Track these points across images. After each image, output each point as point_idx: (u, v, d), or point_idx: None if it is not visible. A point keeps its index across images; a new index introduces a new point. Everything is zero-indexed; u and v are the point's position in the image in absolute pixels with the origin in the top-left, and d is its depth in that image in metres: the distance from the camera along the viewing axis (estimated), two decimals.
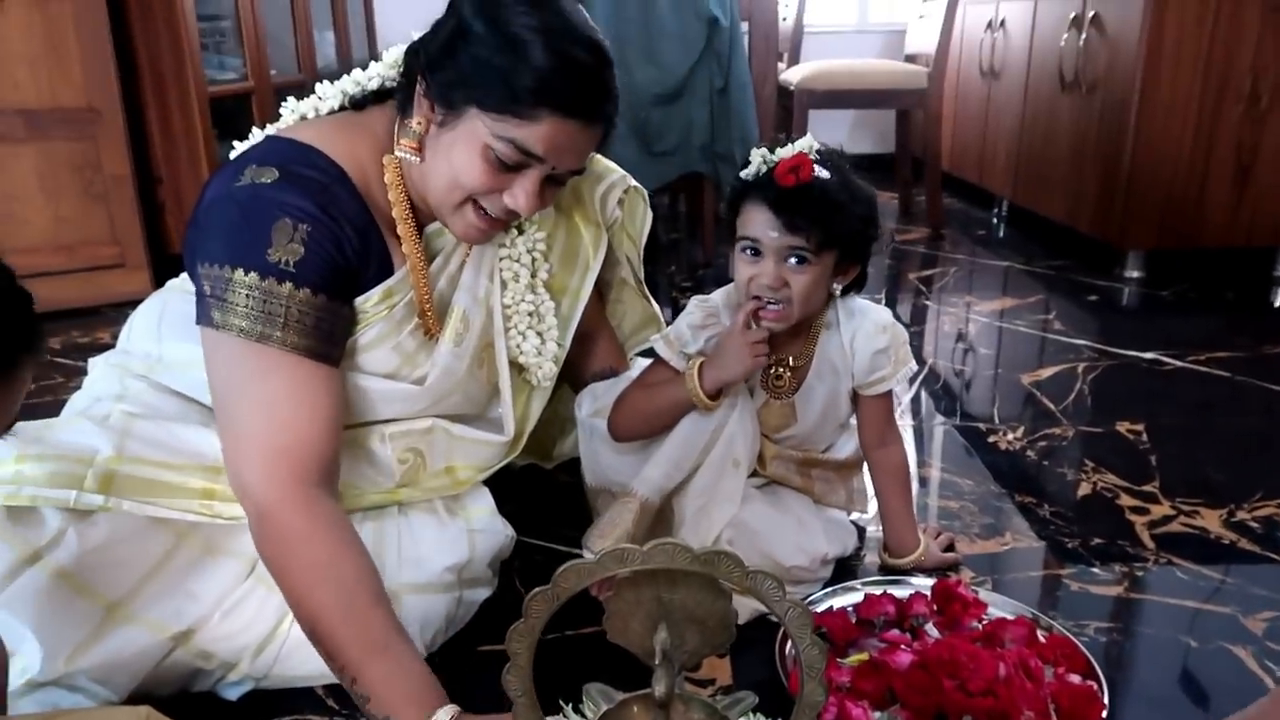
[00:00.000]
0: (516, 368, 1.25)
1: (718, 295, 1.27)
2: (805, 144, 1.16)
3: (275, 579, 0.97)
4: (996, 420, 1.85)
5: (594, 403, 1.34)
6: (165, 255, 2.69)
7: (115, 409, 1.11)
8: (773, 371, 1.26)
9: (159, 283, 1.31)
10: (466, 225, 1.08)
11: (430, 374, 1.14)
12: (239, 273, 0.98)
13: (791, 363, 1.26)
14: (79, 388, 1.25)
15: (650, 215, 1.41)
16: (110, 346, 1.29)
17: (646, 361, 1.49)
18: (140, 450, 1.05)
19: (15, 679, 0.95)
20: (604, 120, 1.05)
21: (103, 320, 2.45)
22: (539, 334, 1.25)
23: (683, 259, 3.10)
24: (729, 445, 1.20)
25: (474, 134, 1.01)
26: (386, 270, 1.10)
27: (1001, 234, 3.50)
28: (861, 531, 1.41)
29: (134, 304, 1.32)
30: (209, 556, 1.06)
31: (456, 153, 1.03)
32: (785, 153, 1.15)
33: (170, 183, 2.73)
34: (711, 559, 0.74)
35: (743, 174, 1.17)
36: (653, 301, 1.52)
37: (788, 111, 3.32)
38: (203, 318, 1.01)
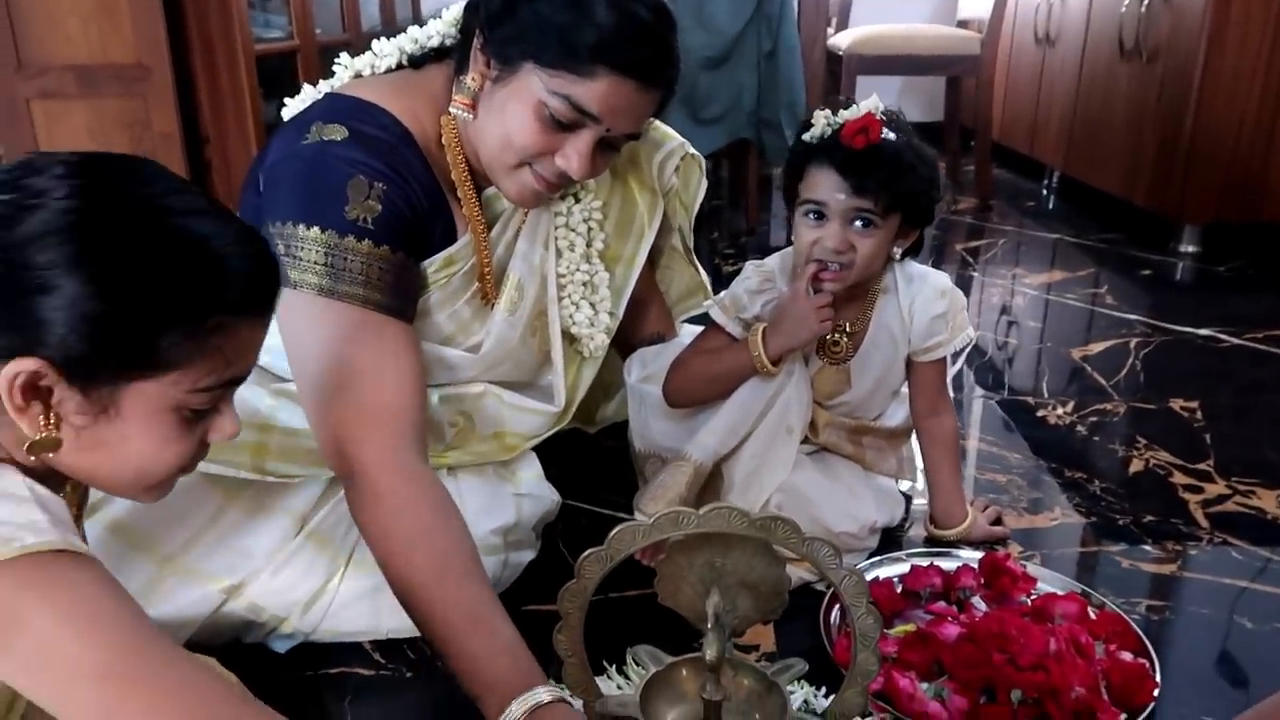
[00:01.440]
0: (568, 338, 1.25)
1: (773, 260, 1.25)
2: (871, 104, 1.13)
3: (370, 544, 0.95)
4: (1045, 394, 1.81)
5: (643, 369, 1.33)
6: None
7: None
8: (830, 337, 1.24)
9: None
10: (520, 187, 1.07)
11: (485, 342, 1.14)
12: (314, 230, 0.97)
13: (849, 328, 1.24)
14: None
15: (705, 183, 1.39)
16: None
17: (694, 329, 1.49)
18: None
19: None
20: (663, 84, 1.03)
21: None
22: (592, 304, 1.24)
23: (725, 226, 3.07)
24: (783, 412, 1.19)
25: (529, 90, 1.00)
26: (450, 234, 1.09)
27: (1051, 205, 3.43)
28: (907, 502, 1.39)
29: None
30: (259, 514, 1.07)
31: (510, 110, 1.01)
32: (851, 114, 1.12)
33: (217, 142, 2.74)
34: (768, 524, 0.73)
35: (805, 136, 1.15)
36: (700, 269, 1.51)
37: (835, 77, 3.26)
38: None
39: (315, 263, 0.97)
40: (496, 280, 1.15)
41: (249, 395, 1.08)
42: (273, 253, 0.69)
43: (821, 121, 1.14)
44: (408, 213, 1.02)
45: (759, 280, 1.22)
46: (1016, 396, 1.81)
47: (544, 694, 0.83)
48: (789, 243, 1.22)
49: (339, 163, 0.99)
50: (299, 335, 1.00)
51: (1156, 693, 0.99)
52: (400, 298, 1.01)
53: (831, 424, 1.29)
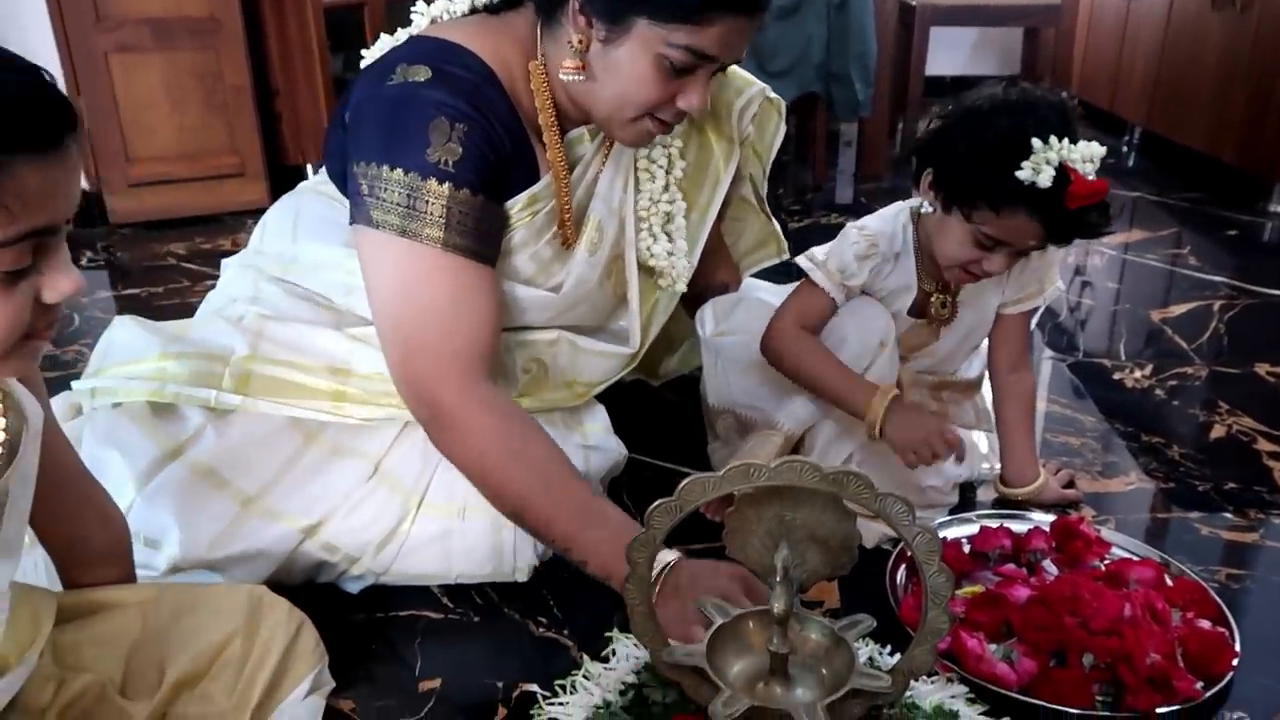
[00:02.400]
0: (646, 271, 1.24)
1: (873, 223, 1.20)
2: (1097, 154, 1.03)
3: (467, 477, 1.00)
4: (1123, 357, 1.76)
5: (717, 323, 1.32)
6: (281, 166, 2.75)
7: (250, 311, 1.14)
8: (936, 300, 1.22)
9: (276, 193, 1.34)
10: (638, 134, 1.07)
11: (565, 283, 1.14)
12: (397, 172, 0.98)
13: (954, 290, 1.23)
14: (205, 291, 1.29)
15: (783, 128, 1.36)
16: (232, 253, 1.32)
17: (762, 284, 1.47)
18: (273, 351, 1.08)
19: (162, 564, 1.01)
20: (764, 6, 1.02)
21: (224, 228, 2.53)
22: (669, 235, 1.23)
23: (791, 182, 3.02)
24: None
25: (646, 45, 0.98)
26: (533, 175, 1.09)
27: (1131, 163, 3.30)
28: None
29: (253, 213, 1.35)
30: (336, 457, 1.09)
31: (628, 68, 1.00)
32: (1077, 161, 1.01)
33: (287, 94, 2.77)
34: (840, 479, 0.72)
35: (1021, 175, 1.01)
36: (773, 219, 1.49)
37: (908, 29, 3.17)
38: (360, 217, 1.01)
39: (396, 204, 0.98)
40: (576, 222, 1.15)
41: (326, 341, 1.10)
42: (59, 90, 0.61)
43: (1041, 158, 1.01)
44: (490, 154, 1.02)
45: (866, 245, 1.18)
46: (1091, 359, 1.76)
47: (669, 555, 0.91)
48: (858, 201, 1.20)
49: (422, 104, 0.99)
50: (379, 275, 1.02)
51: (1236, 662, 0.97)
52: (480, 240, 1.02)
53: (915, 383, 1.27)
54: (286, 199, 1.26)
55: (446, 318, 0.99)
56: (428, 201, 0.98)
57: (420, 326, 0.99)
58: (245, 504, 1.04)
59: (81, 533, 0.87)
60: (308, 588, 1.08)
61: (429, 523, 1.08)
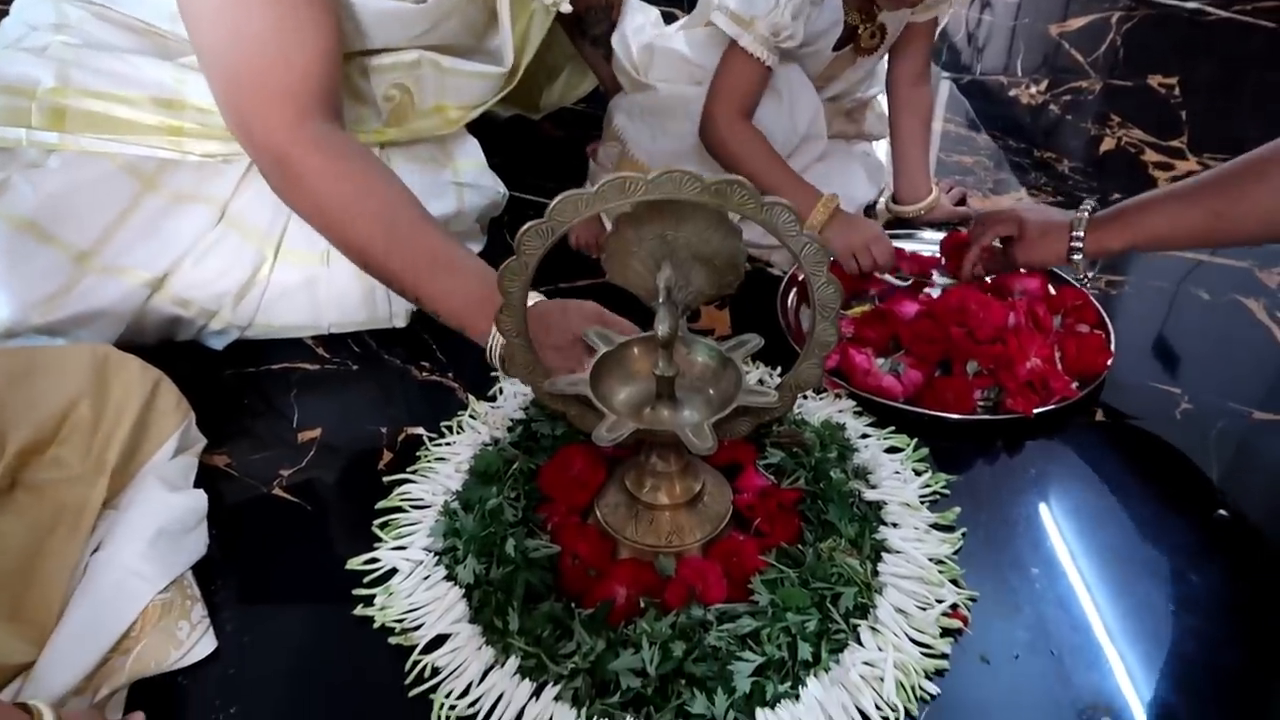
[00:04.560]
0: None
1: None
2: None
3: (309, 223, 0.90)
4: (1019, 73, 1.71)
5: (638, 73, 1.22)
6: None
7: (54, 40, 0.98)
8: (865, 31, 1.14)
9: None
10: None
11: None
12: None
13: (876, 11, 1.14)
14: None
15: None
16: None
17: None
18: (89, 82, 0.94)
19: None
20: None
21: None
22: None
23: None
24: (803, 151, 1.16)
25: None
26: None
27: None
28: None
29: None
30: (177, 204, 0.98)
31: None
32: None
33: None
34: (723, 189, 0.67)
35: None
36: None
37: None
38: None
39: None
40: None
41: (150, 70, 0.96)
42: None
43: None
44: None
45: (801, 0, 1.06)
46: (988, 76, 1.71)
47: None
48: None
49: None
50: (196, 10, 0.86)
51: (1110, 362, 0.99)
52: None
53: (837, 114, 1.22)
54: None
55: (271, 50, 0.85)
56: None
57: (243, 62, 0.85)
58: (79, 259, 0.93)
59: None
60: (167, 346, 1.01)
61: (290, 270, 1.00)
